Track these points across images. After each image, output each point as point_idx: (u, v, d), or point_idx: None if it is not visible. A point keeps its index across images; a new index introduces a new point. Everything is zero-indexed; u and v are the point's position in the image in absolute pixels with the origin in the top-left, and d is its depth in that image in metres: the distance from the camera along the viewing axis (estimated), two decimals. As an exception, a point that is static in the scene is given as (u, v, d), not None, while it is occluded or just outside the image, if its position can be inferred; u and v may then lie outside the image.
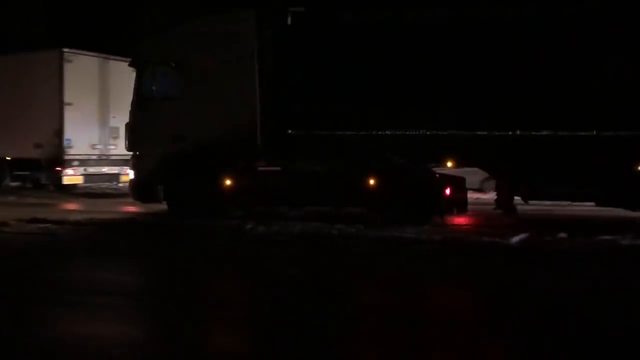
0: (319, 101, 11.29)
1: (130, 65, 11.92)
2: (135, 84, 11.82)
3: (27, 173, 18.33)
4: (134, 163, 11.97)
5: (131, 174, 11.98)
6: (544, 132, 10.67)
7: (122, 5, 22.48)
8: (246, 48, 11.38)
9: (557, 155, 10.61)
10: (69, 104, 16.82)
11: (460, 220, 11.99)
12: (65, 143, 16.88)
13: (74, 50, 17.01)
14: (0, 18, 23.61)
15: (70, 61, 16.80)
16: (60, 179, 17.12)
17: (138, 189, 11.93)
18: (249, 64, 11.38)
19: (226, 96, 11.35)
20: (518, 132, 10.79)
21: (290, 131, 11.35)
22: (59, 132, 16.92)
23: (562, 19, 10.48)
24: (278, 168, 11.60)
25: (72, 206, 14.98)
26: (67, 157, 16.92)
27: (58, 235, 10.20)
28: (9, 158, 18.19)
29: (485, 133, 10.87)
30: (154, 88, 11.84)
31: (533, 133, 10.67)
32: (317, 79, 11.30)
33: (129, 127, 11.91)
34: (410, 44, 10.97)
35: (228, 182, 11.46)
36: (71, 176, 17.12)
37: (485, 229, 10.61)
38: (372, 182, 11.18)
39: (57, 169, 17.02)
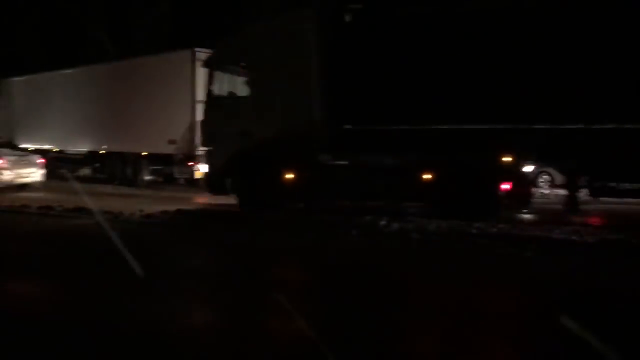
0: (375, 96, 11.51)
1: (202, 66, 12.70)
2: (207, 84, 12.55)
3: (161, 168, 19.56)
4: (207, 157, 12.79)
5: (205, 168, 12.79)
6: (610, 125, 10.05)
7: (246, 5, 23.47)
8: (306, 46, 11.93)
9: (625, 149, 10.09)
10: (201, 102, 17.61)
11: (593, 219, 11.36)
12: (197, 139, 17.57)
13: (205, 50, 17.85)
14: (131, 23, 25.65)
15: (201, 60, 17.67)
16: (192, 173, 17.95)
17: (210, 182, 12.84)
18: (309, 61, 11.88)
19: (287, 93, 11.93)
20: (581, 125, 10.10)
21: (347, 126, 11.54)
22: (192, 129, 17.56)
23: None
24: (337, 162, 11.81)
25: (205, 199, 15.72)
26: (199, 153, 17.54)
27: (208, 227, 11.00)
28: (144, 154, 19.55)
29: (547, 127, 10.38)
30: (223, 87, 12.58)
31: (598, 126, 10.18)
32: (374, 74, 11.62)
33: (202, 124, 12.71)
34: (468, 34, 11.06)
35: (289, 175, 11.98)
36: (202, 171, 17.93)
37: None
38: (427, 176, 11.31)
39: (189, 163, 17.90)
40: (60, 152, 22.74)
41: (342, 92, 11.76)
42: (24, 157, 16.94)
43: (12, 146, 19.54)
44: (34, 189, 16.32)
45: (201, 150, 17.12)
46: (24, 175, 16.12)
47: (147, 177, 20.11)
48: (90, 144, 21.47)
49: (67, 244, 9.06)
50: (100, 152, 21.17)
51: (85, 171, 22.55)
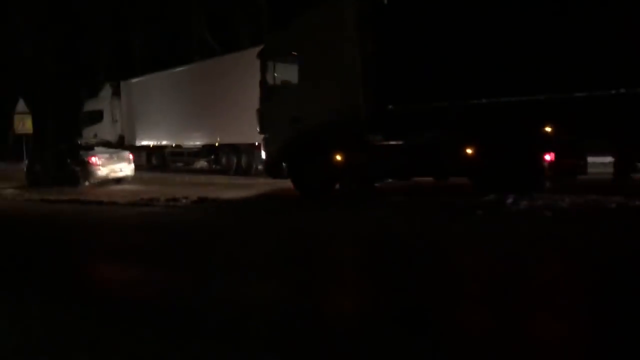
0: (414, 75, 11.72)
1: (256, 57, 13.34)
2: (260, 74, 13.19)
3: None
4: (264, 145, 13.44)
5: (263, 154, 13.46)
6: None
7: None
8: (348, 32, 12.20)
9: None
10: None
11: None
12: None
13: None
14: (232, 19, 26.65)
15: None
16: None
17: (268, 167, 13.53)
18: (352, 46, 12.17)
19: (333, 78, 12.30)
20: (623, 90, 9.77)
21: (390, 106, 11.74)
22: None
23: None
24: (384, 142, 12.05)
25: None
26: None
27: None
28: (256, 144, 20.45)
29: (588, 94, 10.09)
30: (275, 77, 13.12)
31: None
32: (413, 53, 11.81)
33: (258, 113, 13.38)
34: (503, 6, 10.94)
35: (339, 158, 12.37)
36: None
37: None
38: (471, 151, 11.33)
39: None
40: (176, 146, 24.33)
41: (384, 73, 12.03)
42: (115, 154, 18.62)
43: (106, 144, 21.27)
44: (126, 182, 17.91)
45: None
46: (117, 170, 17.83)
47: (260, 166, 21.01)
48: (204, 137, 22.78)
49: (195, 234, 9.59)
50: (215, 144, 22.42)
51: (201, 163, 23.97)
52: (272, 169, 13.77)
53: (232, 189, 14.95)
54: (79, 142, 18.78)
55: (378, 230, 8.94)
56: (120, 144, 24.98)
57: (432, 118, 11.61)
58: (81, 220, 11.66)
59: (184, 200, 13.04)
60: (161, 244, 8.71)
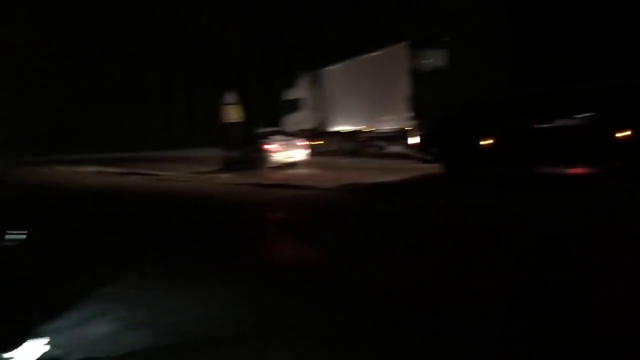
0: (563, 55, 11.33)
1: (404, 47, 13.53)
2: (409, 62, 13.37)
3: None
4: (416, 130, 13.57)
5: (415, 139, 13.60)
6: None
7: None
8: (494, 15, 11.86)
9: None
10: None
11: None
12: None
13: None
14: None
15: None
16: None
17: (420, 152, 13.51)
18: (498, 29, 11.97)
19: (479, 62, 12.18)
20: None
21: (538, 90, 11.40)
22: None
23: None
24: (531, 127, 11.61)
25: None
26: None
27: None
28: None
29: None
30: (423, 64, 13.18)
31: None
32: (559, 33, 11.46)
33: (410, 99, 13.57)
34: None
35: (487, 142, 12.12)
36: None
37: None
38: (624, 134, 10.49)
39: None
40: (369, 131, 24.88)
41: (531, 54, 11.72)
42: (290, 140, 19.82)
43: (282, 132, 22.40)
44: (298, 167, 19.02)
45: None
46: (291, 155, 19.08)
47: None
48: (397, 121, 23.05)
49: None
50: (407, 128, 22.65)
51: (396, 148, 24.22)
52: (422, 153, 13.80)
53: (410, 172, 14.86)
54: (259, 131, 20.23)
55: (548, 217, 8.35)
56: (316, 131, 26.19)
57: (584, 100, 11.02)
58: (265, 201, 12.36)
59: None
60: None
